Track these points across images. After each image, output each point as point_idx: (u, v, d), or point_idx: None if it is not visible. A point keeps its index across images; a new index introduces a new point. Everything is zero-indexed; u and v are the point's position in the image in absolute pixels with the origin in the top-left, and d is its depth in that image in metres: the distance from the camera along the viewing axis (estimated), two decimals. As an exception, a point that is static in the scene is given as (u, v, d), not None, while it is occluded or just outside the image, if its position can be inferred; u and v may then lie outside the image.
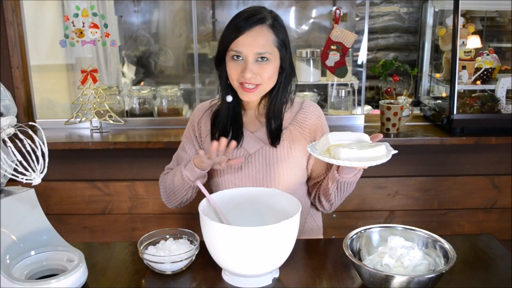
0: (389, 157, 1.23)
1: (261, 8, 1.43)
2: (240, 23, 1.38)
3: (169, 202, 1.57)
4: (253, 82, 1.39)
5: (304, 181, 1.56)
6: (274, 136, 1.48)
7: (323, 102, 2.67)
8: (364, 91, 2.43)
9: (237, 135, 1.50)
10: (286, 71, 1.46)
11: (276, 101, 1.47)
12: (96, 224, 2.39)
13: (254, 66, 1.38)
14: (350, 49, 2.37)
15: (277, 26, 1.41)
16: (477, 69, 2.26)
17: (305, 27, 3.05)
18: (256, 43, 1.37)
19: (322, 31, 3.00)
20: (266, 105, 1.50)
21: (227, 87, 1.47)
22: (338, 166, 1.39)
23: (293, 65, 1.50)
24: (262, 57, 1.38)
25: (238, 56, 1.39)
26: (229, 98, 1.48)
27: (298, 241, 1.23)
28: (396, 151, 1.26)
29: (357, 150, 1.21)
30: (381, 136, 1.33)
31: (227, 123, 1.50)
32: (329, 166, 1.51)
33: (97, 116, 2.28)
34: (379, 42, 3.88)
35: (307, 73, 2.53)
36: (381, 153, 1.23)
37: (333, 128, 2.30)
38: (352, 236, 1.22)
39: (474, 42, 2.32)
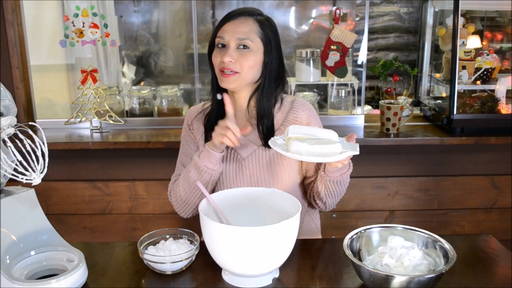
0: (341, 157, 1.20)
1: (255, 8, 1.48)
2: (229, 14, 1.44)
3: (185, 209, 1.53)
4: (232, 68, 1.41)
5: (299, 182, 1.56)
6: (267, 137, 1.48)
7: (323, 102, 2.67)
8: (364, 91, 2.43)
9: None
10: (271, 68, 1.46)
11: (263, 99, 1.48)
12: (96, 224, 2.39)
13: (235, 52, 1.41)
14: (350, 49, 2.37)
15: (265, 23, 1.45)
16: (477, 69, 2.26)
17: (305, 27, 3.06)
18: (238, 30, 1.41)
19: (322, 31, 3.00)
20: (255, 106, 1.50)
21: (218, 84, 1.49)
22: (325, 166, 1.40)
23: (283, 66, 1.51)
24: (243, 45, 1.41)
25: (222, 44, 1.43)
26: (219, 96, 1.49)
27: (298, 241, 1.23)
28: (356, 153, 1.22)
29: (307, 144, 1.20)
30: (355, 136, 1.31)
31: (217, 122, 1.50)
32: (319, 165, 1.51)
33: (97, 116, 2.28)
34: (379, 42, 3.88)
35: (307, 73, 2.52)
36: (333, 151, 1.21)
37: (333, 128, 2.32)
38: (352, 236, 1.22)
39: (474, 42, 2.32)
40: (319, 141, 1.23)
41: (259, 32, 1.43)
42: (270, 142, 1.28)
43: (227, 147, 1.48)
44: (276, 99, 1.52)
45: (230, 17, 1.44)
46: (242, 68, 1.41)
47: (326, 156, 1.19)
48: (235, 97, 1.51)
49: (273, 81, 1.48)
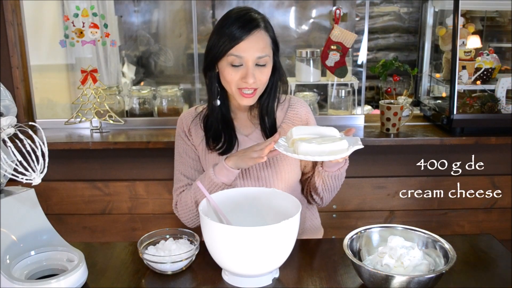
0: (349, 152, 1.21)
1: (250, 10, 1.42)
2: (237, 30, 1.37)
3: (194, 219, 1.49)
4: (253, 87, 1.40)
5: (299, 179, 1.58)
6: (270, 135, 1.49)
7: (323, 102, 2.67)
8: (364, 91, 2.43)
9: (230, 139, 1.50)
10: (278, 71, 1.47)
11: (269, 100, 1.49)
12: (96, 224, 2.39)
13: (255, 71, 1.39)
14: (350, 49, 2.37)
15: (269, 27, 1.43)
16: (477, 69, 2.26)
17: (305, 27, 3.05)
18: (257, 48, 1.38)
19: (322, 31, 3.00)
20: (256, 106, 1.51)
21: (216, 92, 1.47)
22: (323, 161, 1.40)
23: (281, 64, 1.50)
24: (260, 63, 1.39)
25: (237, 62, 1.38)
26: (217, 103, 1.48)
27: (298, 241, 1.23)
28: (361, 146, 1.23)
29: (315, 144, 1.20)
30: (353, 130, 1.33)
31: (219, 128, 1.50)
32: (316, 162, 1.52)
33: (97, 116, 2.28)
34: (379, 42, 3.88)
35: (307, 73, 2.52)
36: (341, 147, 1.22)
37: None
38: (352, 236, 1.23)
39: (474, 42, 2.32)
40: (324, 140, 1.24)
41: (271, 43, 1.42)
42: (275, 146, 1.27)
43: (232, 149, 1.49)
44: (279, 99, 1.53)
45: (242, 34, 1.36)
46: (261, 84, 1.42)
47: (334, 153, 1.20)
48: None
49: (278, 83, 1.49)
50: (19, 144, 1.08)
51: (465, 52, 2.27)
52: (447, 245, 1.18)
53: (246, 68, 1.38)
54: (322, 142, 1.22)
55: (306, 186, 1.58)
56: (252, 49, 1.37)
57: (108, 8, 2.64)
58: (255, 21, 1.39)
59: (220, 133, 1.50)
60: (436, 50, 2.55)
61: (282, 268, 1.25)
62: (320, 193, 1.50)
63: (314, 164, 1.54)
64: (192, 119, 1.55)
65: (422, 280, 1.07)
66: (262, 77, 1.40)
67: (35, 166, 1.09)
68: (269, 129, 1.49)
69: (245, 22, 1.38)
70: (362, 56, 2.44)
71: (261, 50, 1.38)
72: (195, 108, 1.59)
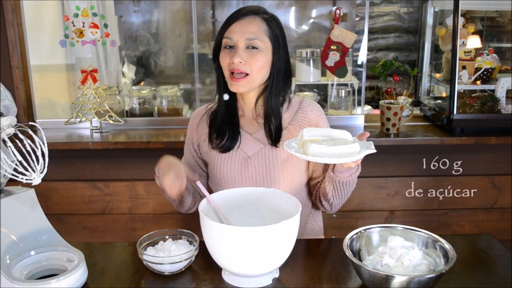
0: (361, 156, 1.19)
1: (259, 7, 1.46)
2: (234, 14, 1.42)
3: (178, 208, 1.55)
4: (242, 69, 1.39)
5: (305, 182, 1.56)
6: (274, 136, 1.48)
7: (323, 102, 2.67)
8: (364, 91, 2.43)
9: (234, 135, 1.49)
10: (279, 67, 1.45)
11: (271, 99, 1.47)
12: (96, 224, 2.39)
13: (244, 52, 1.39)
14: (350, 49, 2.37)
15: (272, 21, 1.43)
16: (477, 69, 2.26)
17: (305, 27, 3.06)
18: (247, 29, 1.39)
19: (322, 31, 3.00)
20: (263, 105, 1.50)
21: (224, 84, 1.48)
22: (334, 166, 1.39)
23: (290, 65, 1.49)
24: (252, 46, 1.39)
25: (230, 46, 1.41)
26: (226, 97, 1.49)
27: (298, 241, 1.22)
28: (373, 151, 1.21)
29: (326, 146, 1.18)
30: (367, 134, 1.31)
31: (224, 122, 1.50)
32: (327, 166, 1.50)
33: (97, 116, 2.28)
34: (379, 42, 3.88)
35: (307, 73, 2.53)
36: (352, 150, 1.20)
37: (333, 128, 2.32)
38: (352, 236, 1.22)
39: (474, 42, 2.32)
40: (335, 142, 1.22)
41: (267, 31, 1.41)
42: (285, 146, 1.26)
43: (233, 146, 1.50)
44: (284, 98, 1.52)
45: (237, 17, 1.41)
46: (252, 69, 1.40)
47: (345, 156, 1.18)
48: (243, 97, 1.51)
49: (281, 80, 1.47)
50: (19, 144, 1.08)
51: (465, 52, 2.27)
52: (447, 245, 1.18)
53: (235, 49, 1.40)
54: (332, 144, 1.20)
55: (316, 191, 1.56)
56: (242, 31, 1.39)
57: (108, 8, 2.64)
58: (255, 9, 1.42)
59: (224, 129, 1.50)
60: (436, 50, 2.55)
61: (282, 268, 1.25)
62: (330, 199, 1.48)
63: (325, 168, 1.51)
64: (201, 117, 1.58)
65: (422, 280, 1.07)
66: (253, 62, 1.39)
67: (35, 166, 1.09)
68: (275, 129, 1.47)
69: (242, 9, 1.43)
70: (362, 56, 2.44)
71: (252, 33, 1.39)
72: (206, 105, 1.61)
